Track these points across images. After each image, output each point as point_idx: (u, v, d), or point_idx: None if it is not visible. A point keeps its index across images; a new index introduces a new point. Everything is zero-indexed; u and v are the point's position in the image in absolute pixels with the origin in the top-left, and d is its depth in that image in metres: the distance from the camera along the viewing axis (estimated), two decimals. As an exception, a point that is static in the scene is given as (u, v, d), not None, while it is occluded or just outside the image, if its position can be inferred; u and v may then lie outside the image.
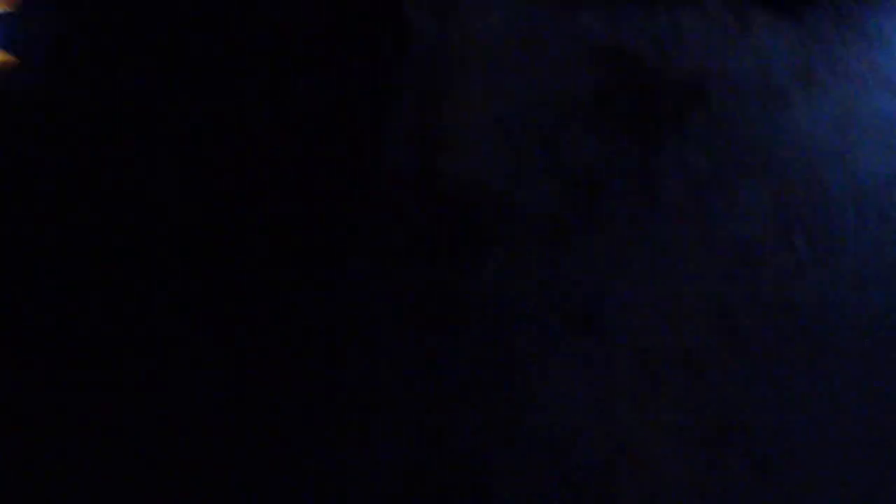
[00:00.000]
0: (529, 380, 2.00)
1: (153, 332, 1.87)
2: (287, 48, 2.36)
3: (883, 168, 1.99)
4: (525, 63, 2.32)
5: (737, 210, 1.93)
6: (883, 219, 1.89)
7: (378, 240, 2.20)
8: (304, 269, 2.16)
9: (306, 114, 2.34)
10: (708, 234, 1.92)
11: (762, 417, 1.65)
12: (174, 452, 1.75)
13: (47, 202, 2.02)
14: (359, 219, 2.27)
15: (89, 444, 1.77)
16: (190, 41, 2.29)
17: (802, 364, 1.66)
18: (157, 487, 1.71)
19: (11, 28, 2.07)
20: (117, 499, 1.70)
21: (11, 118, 2.05)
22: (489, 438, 1.96)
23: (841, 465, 1.54)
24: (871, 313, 1.71)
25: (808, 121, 2.04)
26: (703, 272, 1.87)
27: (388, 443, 1.83)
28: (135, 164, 2.08)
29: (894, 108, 2.13)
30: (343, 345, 2.02)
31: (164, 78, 2.22)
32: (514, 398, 1.99)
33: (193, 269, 2.00)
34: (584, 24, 2.27)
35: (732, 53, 2.17)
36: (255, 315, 1.96)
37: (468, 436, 1.96)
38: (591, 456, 1.88)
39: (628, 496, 1.78)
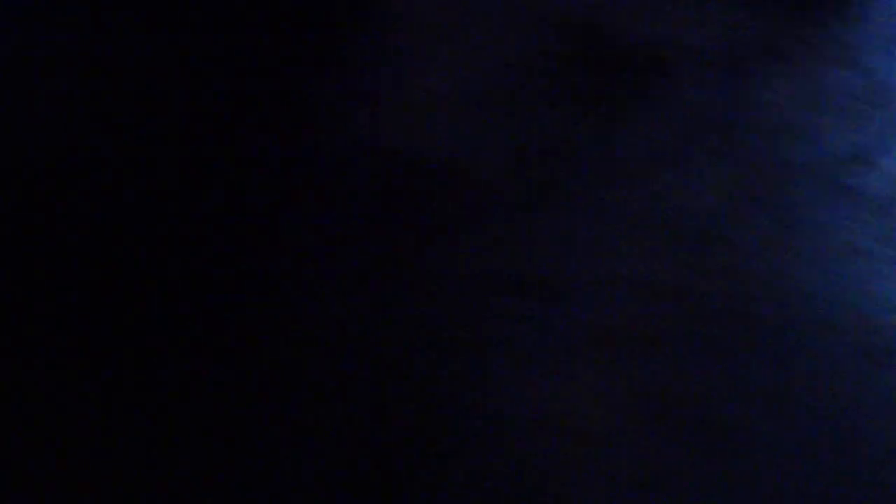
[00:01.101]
0: (483, 359, 1.95)
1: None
2: (238, 17, 2.28)
3: (845, 145, 1.95)
4: (485, 32, 2.26)
5: (697, 185, 1.88)
6: (844, 195, 1.85)
7: (325, 215, 2.13)
8: (248, 240, 2.09)
9: (260, 85, 2.26)
10: (666, 209, 1.87)
11: (717, 393, 1.61)
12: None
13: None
14: (307, 192, 2.20)
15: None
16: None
17: (759, 339, 1.62)
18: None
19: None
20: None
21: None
22: (440, 419, 1.90)
23: (796, 441, 1.50)
24: (828, 290, 1.67)
25: (771, 95, 1.99)
26: (660, 248, 1.83)
27: (333, 423, 1.77)
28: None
29: (859, 85, 2.09)
30: (285, 325, 1.96)
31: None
32: (469, 378, 1.93)
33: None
34: (546, -8, 2.21)
35: (696, 25, 2.12)
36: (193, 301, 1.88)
37: (418, 417, 1.90)
38: (543, 434, 1.83)
39: (579, 472, 1.74)
